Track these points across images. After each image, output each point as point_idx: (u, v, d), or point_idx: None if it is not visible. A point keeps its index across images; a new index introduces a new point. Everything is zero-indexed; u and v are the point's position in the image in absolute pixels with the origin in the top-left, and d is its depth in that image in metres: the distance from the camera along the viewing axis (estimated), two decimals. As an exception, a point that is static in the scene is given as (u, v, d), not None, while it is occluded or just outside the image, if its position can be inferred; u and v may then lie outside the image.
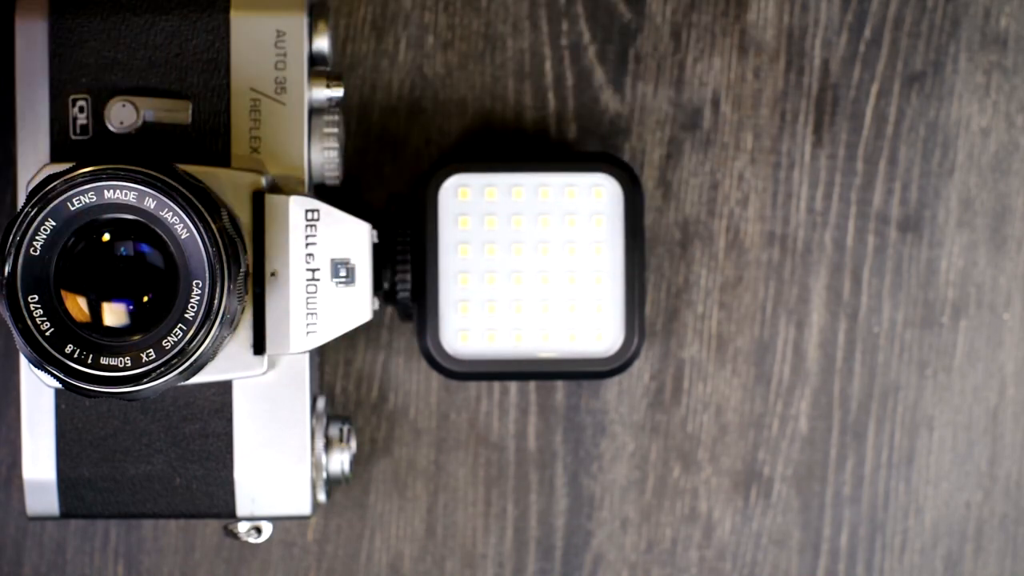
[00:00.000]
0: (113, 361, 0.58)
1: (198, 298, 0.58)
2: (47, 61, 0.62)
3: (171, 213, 0.58)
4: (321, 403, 0.66)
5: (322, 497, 0.66)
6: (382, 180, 0.72)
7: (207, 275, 0.58)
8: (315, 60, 0.65)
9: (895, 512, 0.73)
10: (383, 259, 0.67)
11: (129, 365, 0.58)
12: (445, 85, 0.72)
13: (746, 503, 0.73)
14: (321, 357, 0.71)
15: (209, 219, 0.58)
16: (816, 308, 0.73)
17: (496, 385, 0.72)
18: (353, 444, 0.67)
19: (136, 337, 0.58)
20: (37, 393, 0.64)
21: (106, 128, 0.62)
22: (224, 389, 0.64)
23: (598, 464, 0.73)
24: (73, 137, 0.62)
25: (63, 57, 0.62)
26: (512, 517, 0.73)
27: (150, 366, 0.58)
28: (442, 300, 0.68)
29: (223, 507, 0.64)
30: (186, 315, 0.58)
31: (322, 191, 0.66)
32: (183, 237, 0.58)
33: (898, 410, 0.73)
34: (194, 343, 0.58)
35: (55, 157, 0.62)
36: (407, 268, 0.67)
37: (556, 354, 0.68)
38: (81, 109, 0.62)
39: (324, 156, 0.64)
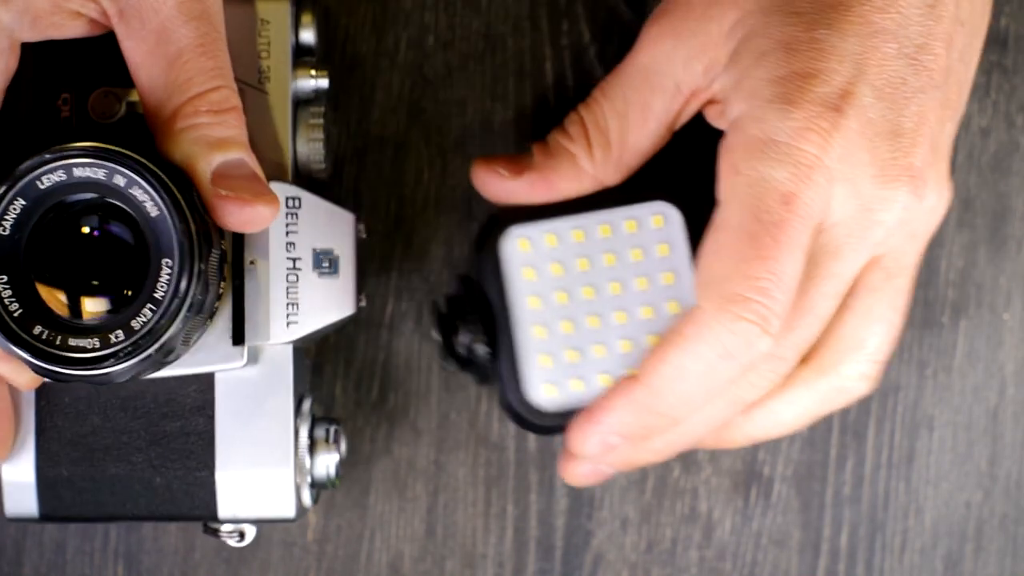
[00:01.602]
0: (82, 343, 0.57)
1: (167, 278, 0.57)
2: (31, 56, 0.62)
3: (140, 190, 0.57)
4: (307, 404, 0.65)
5: (308, 501, 0.65)
6: (382, 180, 0.72)
7: (176, 254, 0.57)
8: (301, 51, 0.64)
9: (895, 512, 0.73)
10: (453, 324, 0.66)
11: (98, 346, 0.57)
12: (445, 85, 0.72)
13: (746, 503, 0.73)
14: (312, 357, 0.71)
15: (179, 196, 0.57)
16: (816, 308, 0.73)
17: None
18: (343, 447, 0.66)
19: (105, 318, 0.57)
20: (17, 391, 0.63)
21: (89, 120, 0.61)
22: (206, 386, 0.63)
23: (598, 464, 0.73)
24: (56, 129, 0.62)
25: (46, 51, 0.62)
26: (512, 517, 0.73)
27: (119, 347, 0.57)
28: (520, 356, 0.66)
29: (204, 509, 0.63)
30: (155, 295, 0.57)
31: (311, 184, 0.65)
32: (153, 215, 0.57)
33: (898, 410, 0.73)
34: (162, 323, 0.57)
35: (37, 150, 0.62)
36: (480, 330, 0.66)
37: None
38: (65, 102, 0.62)
39: (310, 147, 0.63)
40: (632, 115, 0.65)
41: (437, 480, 0.72)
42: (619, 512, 0.73)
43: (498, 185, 0.67)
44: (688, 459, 0.73)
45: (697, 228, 0.66)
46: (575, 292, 0.67)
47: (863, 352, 0.64)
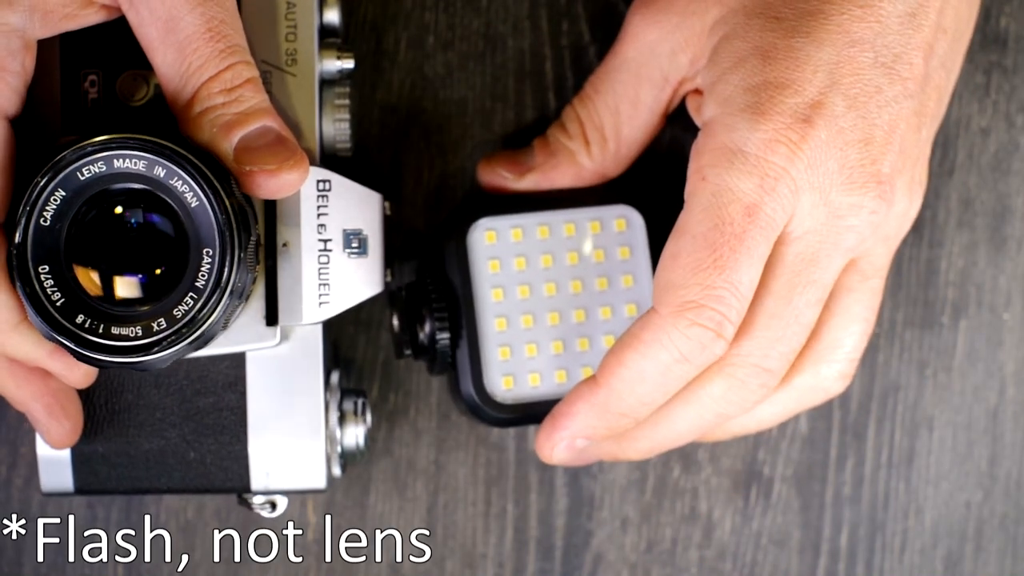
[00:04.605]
0: (124, 331, 0.58)
1: (208, 267, 0.58)
2: (57, 36, 0.62)
3: (180, 181, 0.58)
4: (335, 377, 0.66)
5: (337, 471, 0.66)
6: (382, 180, 0.72)
7: (217, 243, 0.58)
8: (326, 32, 0.65)
9: (895, 512, 0.73)
10: (415, 313, 0.67)
11: (140, 335, 0.58)
12: (445, 85, 0.72)
13: (746, 503, 0.73)
14: (335, 331, 0.71)
15: (218, 186, 0.58)
16: (816, 308, 0.73)
17: (496, 385, 0.72)
18: (368, 418, 0.67)
19: (147, 307, 0.58)
20: None
21: (117, 102, 0.62)
22: (237, 362, 0.64)
23: (598, 464, 0.73)
24: (85, 111, 0.62)
25: (73, 32, 0.62)
26: (512, 517, 0.73)
27: (161, 335, 0.58)
28: (481, 346, 0.67)
29: (237, 481, 0.65)
30: (196, 284, 0.58)
31: (333, 162, 0.66)
32: (193, 205, 0.58)
33: (898, 410, 0.73)
34: (204, 312, 0.58)
35: (66, 131, 0.62)
36: (444, 319, 0.67)
37: None
38: (92, 83, 0.62)
39: (335, 127, 0.64)
40: (624, 109, 0.67)
41: (437, 480, 0.72)
42: (619, 512, 0.73)
43: (502, 187, 0.69)
44: (688, 459, 0.73)
45: (659, 234, 0.67)
46: (537, 287, 0.68)
47: (841, 351, 0.66)
